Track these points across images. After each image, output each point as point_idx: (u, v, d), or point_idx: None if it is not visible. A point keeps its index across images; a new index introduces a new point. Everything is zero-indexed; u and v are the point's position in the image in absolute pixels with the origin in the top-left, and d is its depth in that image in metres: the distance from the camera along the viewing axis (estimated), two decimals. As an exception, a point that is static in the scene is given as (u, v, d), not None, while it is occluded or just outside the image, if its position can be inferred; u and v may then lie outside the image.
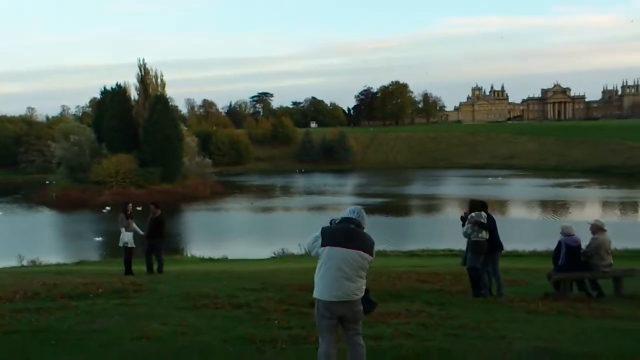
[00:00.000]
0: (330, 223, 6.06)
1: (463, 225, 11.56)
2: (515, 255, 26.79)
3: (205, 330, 8.18)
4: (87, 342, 7.38)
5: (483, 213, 11.43)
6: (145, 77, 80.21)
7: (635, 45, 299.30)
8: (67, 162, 73.93)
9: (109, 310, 9.42)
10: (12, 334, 7.79)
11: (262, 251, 30.97)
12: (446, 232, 43.33)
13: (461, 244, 30.20)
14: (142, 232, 16.00)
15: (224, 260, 26.42)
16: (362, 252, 5.69)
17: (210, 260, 26.16)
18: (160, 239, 16.04)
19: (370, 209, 56.35)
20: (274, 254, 29.43)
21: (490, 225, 11.38)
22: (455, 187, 79.23)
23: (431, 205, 61.95)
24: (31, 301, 10.18)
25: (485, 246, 11.23)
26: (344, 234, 5.75)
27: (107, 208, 61.65)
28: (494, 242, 11.46)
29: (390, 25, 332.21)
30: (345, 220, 5.89)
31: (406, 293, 11.55)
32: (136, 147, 74.87)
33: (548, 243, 26.62)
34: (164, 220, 16.18)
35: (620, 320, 9.13)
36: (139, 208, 59.38)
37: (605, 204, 58.47)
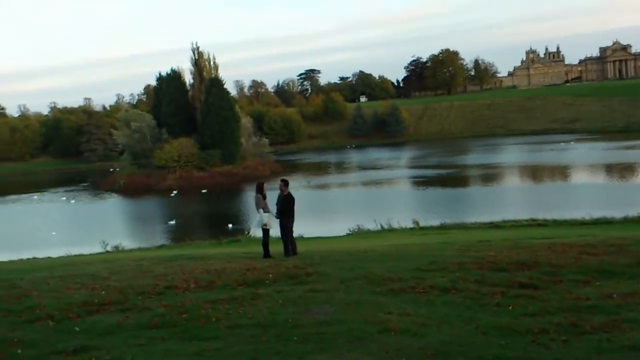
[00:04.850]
0: None
1: None
2: (604, 222, 24.82)
3: (442, 319, 7.20)
4: (331, 336, 6.54)
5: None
6: (199, 61, 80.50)
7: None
8: (130, 149, 75.46)
9: (306, 298, 8.57)
10: (237, 328, 7.04)
11: (334, 228, 30.35)
12: (519, 201, 41.50)
13: (534, 213, 28.83)
14: (274, 214, 15.13)
15: (301, 238, 25.31)
16: None
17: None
18: (292, 219, 15.13)
19: (429, 182, 55.02)
20: (350, 230, 28.65)
21: None
22: (517, 155, 76.64)
23: (493, 174, 59.80)
24: (211, 290, 9.42)
25: None
26: None
27: (175, 192, 62.11)
28: None
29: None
30: None
31: (610, 268, 10.18)
32: (194, 130, 75.62)
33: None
34: (294, 199, 15.24)
35: None
36: (204, 191, 59.87)
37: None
